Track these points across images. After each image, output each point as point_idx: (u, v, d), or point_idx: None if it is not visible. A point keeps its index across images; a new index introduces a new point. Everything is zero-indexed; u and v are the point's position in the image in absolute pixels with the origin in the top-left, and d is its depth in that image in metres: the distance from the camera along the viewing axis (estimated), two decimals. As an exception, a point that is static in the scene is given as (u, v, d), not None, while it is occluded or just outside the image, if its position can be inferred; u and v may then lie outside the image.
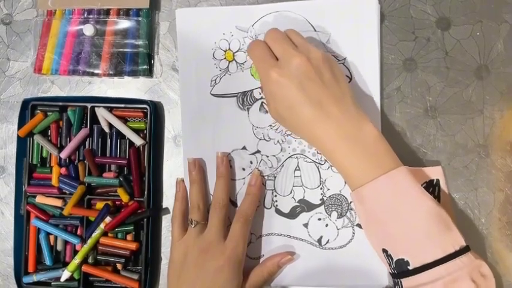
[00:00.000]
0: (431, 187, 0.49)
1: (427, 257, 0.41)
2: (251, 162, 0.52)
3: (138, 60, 0.53)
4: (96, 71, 0.54)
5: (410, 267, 0.41)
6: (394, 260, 0.42)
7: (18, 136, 0.53)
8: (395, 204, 0.42)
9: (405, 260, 0.42)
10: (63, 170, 0.53)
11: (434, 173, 0.49)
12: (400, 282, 0.43)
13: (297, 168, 0.52)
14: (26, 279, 0.52)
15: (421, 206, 0.42)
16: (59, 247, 0.53)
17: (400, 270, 0.42)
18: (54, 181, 0.52)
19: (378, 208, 0.43)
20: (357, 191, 0.44)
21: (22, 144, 0.54)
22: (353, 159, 0.44)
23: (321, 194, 0.51)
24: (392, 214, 0.42)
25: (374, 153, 0.44)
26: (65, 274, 0.51)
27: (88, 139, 0.53)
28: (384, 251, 0.44)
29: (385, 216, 0.43)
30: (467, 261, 0.41)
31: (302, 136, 0.48)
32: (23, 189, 0.53)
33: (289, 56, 0.45)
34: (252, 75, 0.52)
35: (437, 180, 0.49)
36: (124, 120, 0.53)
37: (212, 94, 0.53)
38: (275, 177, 0.52)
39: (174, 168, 0.54)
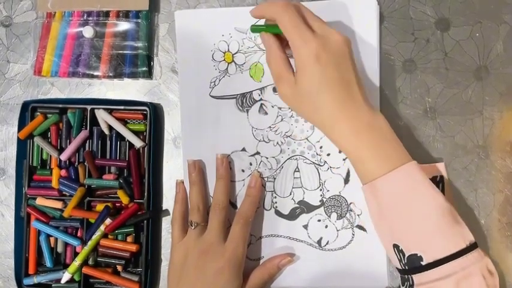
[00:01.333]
0: (436, 183, 0.49)
1: (440, 252, 0.41)
2: (251, 164, 0.52)
3: (137, 62, 0.53)
4: (95, 73, 0.54)
5: (423, 263, 0.41)
6: (406, 256, 0.42)
7: (18, 138, 0.53)
8: (409, 198, 0.42)
9: (418, 255, 0.41)
10: (63, 172, 0.53)
11: (437, 169, 0.50)
12: (411, 278, 0.42)
13: (297, 169, 0.52)
14: (26, 281, 0.52)
15: (433, 201, 0.42)
16: (60, 249, 0.53)
17: (412, 266, 0.42)
18: (54, 183, 0.53)
19: (392, 202, 0.43)
20: (371, 183, 0.43)
21: (22, 146, 0.54)
22: (371, 149, 0.43)
23: (321, 195, 0.51)
24: (406, 208, 0.42)
25: (389, 145, 0.44)
26: (66, 276, 0.51)
27: (88, 141, 0.53)
28: (395, 246, 0.43)
29: (398, 210, 0.43)
30: (478, 256, 0.41)
31: (314, 119, 0.45)
32: (23, 191, 0.53)
33: (330, 32, 0.44)
34: (251, 77, 0.52)
35: (441, 177, 0.49)
36: (124, 122, 0.53)
37: (211, 96, 0.53)
38: (275, 178, 0.52)
39: (173, 170, 0.54)
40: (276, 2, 0.44)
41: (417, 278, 0.42)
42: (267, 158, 0.52)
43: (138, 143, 0.52)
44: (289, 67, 0.45)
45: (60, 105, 0.53)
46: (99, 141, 0.53)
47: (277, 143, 0.52)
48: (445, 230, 0.41)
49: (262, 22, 0.52)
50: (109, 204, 0.52)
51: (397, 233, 0.43)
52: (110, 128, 0.53)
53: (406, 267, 0.43)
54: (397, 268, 0.45)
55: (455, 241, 0.41)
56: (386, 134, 0.44)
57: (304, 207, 0.51)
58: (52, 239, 0.54)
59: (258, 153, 0.52)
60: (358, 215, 0.51)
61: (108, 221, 0.51)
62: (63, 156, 0.52)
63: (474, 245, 0.41)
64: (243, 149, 0.52)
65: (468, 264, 0.40)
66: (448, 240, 0.41)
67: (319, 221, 0.51)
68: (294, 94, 0.45)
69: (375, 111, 0.45)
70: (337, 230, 0.51)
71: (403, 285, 0.44)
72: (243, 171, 0.52)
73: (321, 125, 0.45)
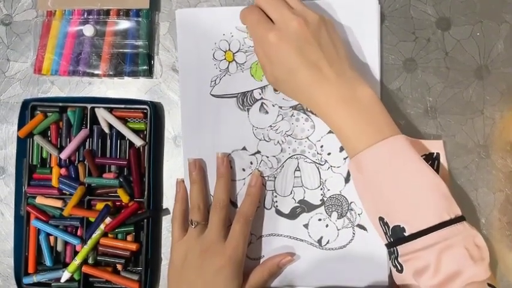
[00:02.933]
0: (431, 160, 0.50)
1: (422, 223, 0.42)
2: (251, 163, 0.52)
3: (138, 61, 0.53)
4: (96, 72, 0.54)
5: (406, 234, 0.42)
6: (391, 227, 0.43)
7: (18, 137, 0.53)
8: (394, 171, 0.43)
9: (401, 226, 0.42)
10: (63, 171, 0.53)
11: (434, 146, 0.50)
12: (396, 249, 0.44)
13: (297, 168, 0.52)
14: (26, 280, 0.52)
15: (418, 174, 0.43)
16: (59, 248, 0.53)
17: (396, 237, 0.43)
18: (54, 182, 0.52)
19: (376, 174, 0.44)
20: (355, 157, 0.44)
21: (22, 144, 0.53)
22: (350, 122, 0.44)
23: (321, 194, 0.51)
24: (390, 181, 0.43)
25: (371, 116, 0.44)
26: (65, 275, 0.51)
27: (88, 140, 0.53)
28: (381, 219, 0.44)
29: (382, 182, 0.44)
30: (462, 228, 0.42)
31: (300, 99, 0.49)
32: (23, 190, 0.53)
33: (287, 19, 0.45)
34: (252, 76, 0.52)
35: (437, 154, 0.50)
36: (124, 120, 0.53)
37: (212, 95, 0.53)
38: (275, 177, 0.52)
39: (174, 169, 0.54)
40: (241, 11, 0.49)
41: (401, 249, 0.43)
42: (267, 157, 0.52)
43: (138, 141, 0.52)
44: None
45: (60, 104, 0.53)
46: (99, 140, 0.53)
47: (278, 142, 0.52)
48: (429, 203, 0.42)
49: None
50: (109, 203, 0.51)
51: (382, 206, 0.44)
52: (110, 126, 0.53)
53: (391, 239, 0.44)
54: (385, 244, 0.46)
55: (439, 214, 0.42)
56: (367, 106, 0.45)
57: (305, 206, 0.51)
58: (52, 238, 0.53)
59: (258, 152, 0.52)
60: (358, 214, 0.51)
61: (108, 219, 0.51)
62: (63, 155, 0.52)
63: (459, 218, 0.42)
64: (244, 148, 0.52)
65: (450, 236, 0.41)
66: (432, 213, 0.42)
67: (319, 220, 0.51)
68: (275, 82, 0.48)
69: (356, 83, 0.45)
70: (338, 229, 0.51)
71: (389, 259, 0.46)
72: (243, 170, 0.52)
73: (306, 104, 0.49)
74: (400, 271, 0.44)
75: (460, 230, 0.42)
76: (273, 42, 0.45)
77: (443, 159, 0.50)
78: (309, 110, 0.51)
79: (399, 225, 0.43)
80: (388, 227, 0.44)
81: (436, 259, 0.41)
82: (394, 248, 0.44)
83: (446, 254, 0.41)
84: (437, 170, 0.49)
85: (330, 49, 0.46)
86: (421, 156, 0.44)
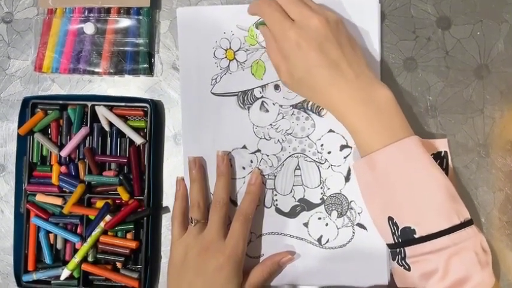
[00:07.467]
0: (439, 159, 0.50)
1: (434, 226, 0.41)
2: (251, 161, 0.52)
3: (138, 59, 0.53)
4: (96, 70, 0.54)
5: (416, 236, 0.42)
6: (400, 228, 0.43)
7: (18, 134, 0.53)
8: (407, 172, 0.43)
9: (412, 228, 0.42)
10: (63, 169, 0.53)
11: (441, 145, 0.50)
12: (404, 250, 0.43)
13: (297, 167, 0.52)
14: (25, 278, 0.52)
15: (431, 176, 0.43)
16: (59, 245, 0.53)
17: (405, 238, 0.43)
18: (54, 179, 0.52)
19: (389, 174, 0.43)
20: (369, 156, 0.44)
21: (22, 142, 0.53)
22: (366, 123, 0.44)
23: (321, 193, 0.51)
24: (403, 181, 0.43)
25: (387, 118, 0.44)
26: (65, 273, 0.51)
27: (88, 137, 0.53)
28: (390, 219, 0.44)
29: (395, 183, 0.43)
30: (472, 233, 0.42)
31: (315, 99, 0.48)
32: (23, 187, 0.53)
33: (308, 17, 0.45)
34: (253, 74, 0.52)
35: (445, 153, 0.50)
36: (124, 118, 0.53)
37: (213, 93, 0.53)
38: (275, 176, 0.52)
39: (174, 167, 0.54)
40: (257, 2, 0.48)
41: (410, 250, 0.43)
42: (267, 155, 0.52)
43: (138, 139, 0.52)
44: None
45: (61, 102, 0.53)
46: (100, 138, 0.53)
47: (278, 140, 0.52)
48: (440, 206, 0.42)
49: (261, 21, 0.52)
50: (109, 201, 0.51)
51: (392, 206, 0.44)
52: (111, 124, 0.53)
53: (400, 240, 0.43)
54: (388, 244, 0.46)
55: (450, 217, 0.41)
56: (384, 108, 0.44)
57: (305, 205, 0.51)
58: (52, 236, 0.53)
59: (258, 150, 0.52)
60: (358, 213, 0.51)
61: (108, 217, 0.51)
62: (63, 153, 0.52)
63: (469, 222, 0.42)
64: (244, 147, 0.52)
65: (461, 240, 0.41)
66: (443, 216, 0.42)
67: (319, 219, 0.51)
68: (291, 81, 0.47)
69: (374, 84, 0.45)
70: (338, 228, 0.51)
71: (394, 260, 0.45)
72: (243, 168, 0.52)
73: (321, 103, 0.48)
74: (408, 270, 0.43)
75: (470, 234, 0.41)
76: (293, 39, 0.45)
77: (449, 158, 0.50)
78: (309, 108, 0.52)
79: (409, 227, 0.42)
80: (398, 227, 0.43)
81: (445, 263, 0.41)
82: (401, 249, 0.43)
83: (455, 259, 0.41)
84: (446, 169, 0.49)
85: (349, 49, 0.46)
86: (430, 155, 0.44)
